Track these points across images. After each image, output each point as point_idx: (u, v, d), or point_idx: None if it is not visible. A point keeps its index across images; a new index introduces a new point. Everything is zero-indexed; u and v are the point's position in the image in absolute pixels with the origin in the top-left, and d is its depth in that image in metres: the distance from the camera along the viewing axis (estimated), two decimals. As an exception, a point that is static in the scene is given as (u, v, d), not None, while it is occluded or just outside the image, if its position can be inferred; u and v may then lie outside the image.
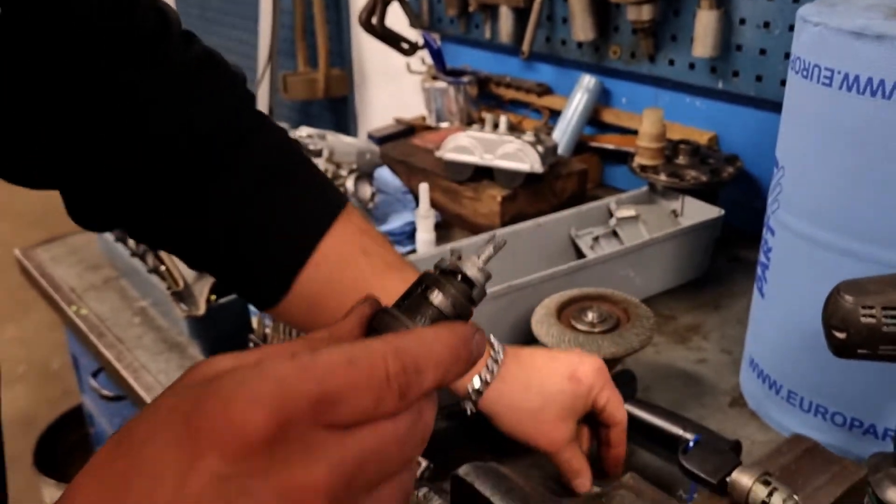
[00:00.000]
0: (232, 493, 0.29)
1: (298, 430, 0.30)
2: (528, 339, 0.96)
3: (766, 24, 1.18)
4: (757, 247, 1.16)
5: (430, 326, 0.36)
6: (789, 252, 0.83)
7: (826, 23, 0.74)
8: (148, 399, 0.97)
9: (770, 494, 0.59)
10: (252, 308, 1.02)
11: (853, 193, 0.74)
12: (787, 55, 1.17)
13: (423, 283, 0.37)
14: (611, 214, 1.18)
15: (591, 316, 0.88)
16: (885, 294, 0.63)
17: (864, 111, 0.71)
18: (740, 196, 1.27)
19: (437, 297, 0.36)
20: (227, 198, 0.66)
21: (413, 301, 0.37)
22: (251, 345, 0.94)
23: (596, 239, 1.16)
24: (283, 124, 1.33)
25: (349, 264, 0.68)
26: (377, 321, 0.36)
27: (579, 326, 0.87)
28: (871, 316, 0.63)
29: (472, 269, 0.37)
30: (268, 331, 0.93)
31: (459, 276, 0.37)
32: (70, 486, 0.32)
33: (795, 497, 0.59)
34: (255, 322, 0.99)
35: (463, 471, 0.50)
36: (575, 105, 1.44)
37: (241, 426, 0.29)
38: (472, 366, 0.35)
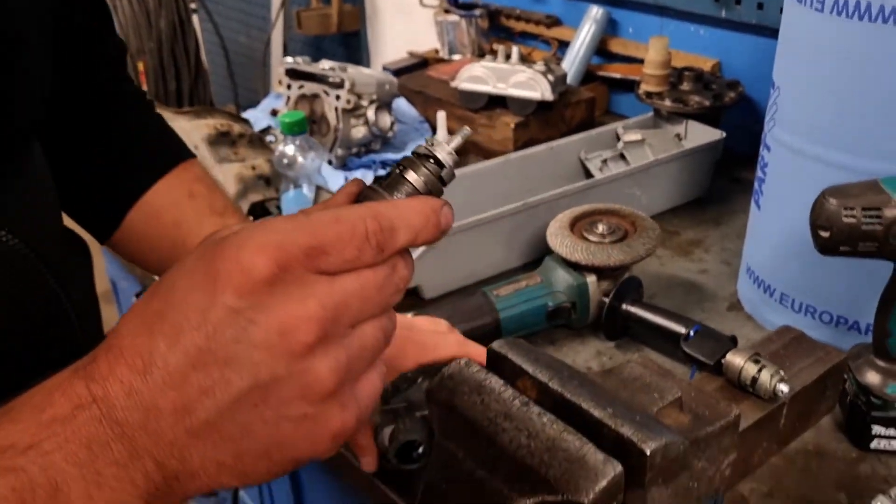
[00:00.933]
0: (242, 322, 0.37)
1: (294, 273, 0.38)
2: (543, 251, 1.05)
3: (768, -48, 1.23)
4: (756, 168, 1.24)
5: (404, 198, 0.44)
6: (783, 166, 0.90)
7: (820, -51, 0.80)
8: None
9: (759, 371, 0.67)
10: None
11: (841, 111, 0.82)
12: (787, -17, 1.22)
13: (401, 165, 0.45)
14: (618, 138, 1.25)
15: (601, 228, 0.96)
16: (864, 197, 0.71)
17: (853, 34, 0.78)
18: (741, 120, 1.34)
19: (411, 176, 0.44)
20: (91, 130, 0.75)
21: (392, 180, 0.45)
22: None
23: (604, 161, 1.23)
24: (299, 59, 1.40)
25: (174, 206, 0.76)
26: (361, 196, 0.45)
27: (590, 238, 0.95)
28: (852, 216, 0.71)
29: (442, 153, 0.45)
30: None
31: (432, 160, 0.45)
32: (117, 325, 0.40)
33: (781, 373, 0.67)
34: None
35: (497, 345, 0.59)
36: (583, 36, 1.50)
37: (249, 268, 0.37)
38: (441, 234, 0.43)
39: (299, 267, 0.38)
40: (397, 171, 0.45)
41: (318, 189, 1.02)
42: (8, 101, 0.55)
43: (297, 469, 0.46)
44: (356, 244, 0.39)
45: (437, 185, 0.45)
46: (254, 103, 2.63)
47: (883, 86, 0.78)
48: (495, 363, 0.59)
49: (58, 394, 0.38)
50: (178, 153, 0.79)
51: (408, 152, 1.32)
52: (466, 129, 0.47)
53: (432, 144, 0.46)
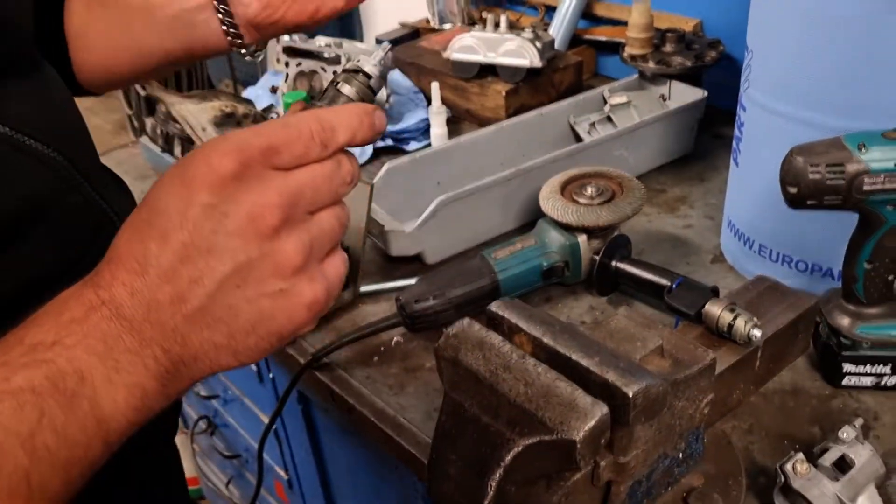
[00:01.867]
0: (216, 215, 0.45)
1: (255, 170, 0.46)
2: (536, 214, 1.11)
3: (744, -85, 1.27)
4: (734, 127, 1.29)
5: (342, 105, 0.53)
6: (757, 125, 0.96)
7: (784, -79, 0.85)
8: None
9: (734, 319, 0.74)
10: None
11: (807, 70, 0.87)
12: (763, -56, 1.27)
13: (335, 80, 0.55)
14: (605, 102, 1.31)
15: (590, 190, 1.02)
16: (829, 154, 0.77)
17: (816, -1, 0.83)
18: (723, 77, 1.38)
19: (345, 88, 0.56)
20: None
21: (329, 93, 0.55)
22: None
23: (592, 125, 1.29)
24: (296, 37, 1.44)
25: None
26: (306, 109, 0.54)
27: (580, 200, 1.01)
28: (817, 172, 0.77)
29: (368, 66, 0.57)
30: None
31: (361, 73, 0.56)
32: (115, 239, 0.47)
33: (755, 320, 0.74)
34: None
35: (495, 306, 0.66)
36: (568, 1, 1.54)
37: (217, 168, 0.45)
38: (376, 133, 0.52)
39: (258, 165, 0.46)
40: (334, 86, 0.56)
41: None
42: (7, 16, 0.63)
43: (284, 345, 0.58)
44: (303, 142, 0.47)
45: (368, 94, 0.57)
46: (251, 78, 2.67)
47: (846, 47, 0.83)
48: (494, 322, 0.65)
49: (72, 301, 0.45)
50: None
51: (405, 123, 1.38)
52: (386, 44, 0.57)
53: (359, 60, 0.57)
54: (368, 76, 0.55)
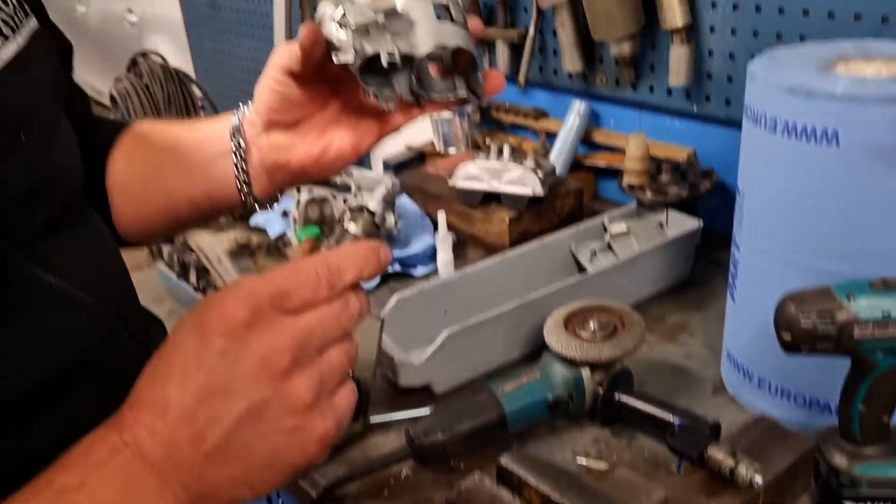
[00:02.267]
0: (230, 359, 0.49)
1: (266, 315, 0.49)
2: (541, 342, 1.14)
3: (732, 55, 1.36)
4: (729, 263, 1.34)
5: (348, 244, 0.58)
6: (751, 265, 1.00)
7: (768, 80, 0.91)
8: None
9: (736, 465, 0.76)
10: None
11: (797, 217, 0.92)
12: (751, 82, 1.34)
13: (341, 219, 0.60)
14: (605, 230, 1.36)
15: (592, 325, 1.05)
16: (819, 303, 0.81)
17: (802, 153, 0.88)
18: (717, 203, 1.44)
19: (351, 226, 0.62)
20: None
21: (336, 231, 0.62)
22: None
23: (594, 253, 1.33)
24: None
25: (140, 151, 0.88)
26: (314, 247, 0.59)
27: (583, 335, 1.05)
28: (809, 320, 0.80)
29: (373, 203, 0.62)
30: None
31: (365, 210, 0.61)
32: (136, 384, 0.51)
33: (756, 465, 0.76)
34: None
35: (505, 461, 0.68)
36: (569, 128, 1.61)
37: (230, 316, 0.49)
38: (382, 267, 0.57)
39: (269, 310, 0.50)
40: (340, 224, 0.61)
41: (334, 297, 1.12)
42: (63, 167, 0.68)
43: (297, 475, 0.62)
44: (311, 286, 0.51)
45: (373, 230, 0.62)
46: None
47: (832, 199, 0.88)
48: (504, 475, 0.68)
49: (97, 444, 0.48)
50: (119, 125, 0.91)
51: (412, 249, 1.43)
52: (387, 179, 0.63)
53: (364, 197, 0.62)
54: (372, 213, 0.61)
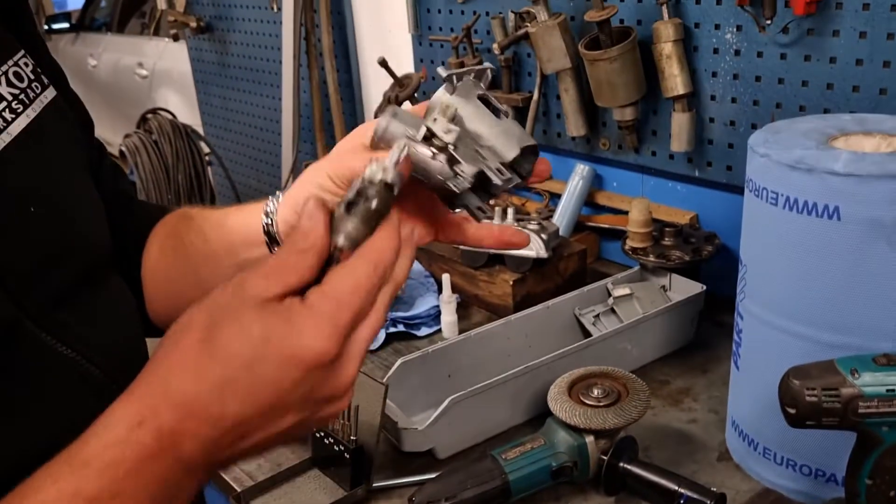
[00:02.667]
0: (303, 387, 0.50)
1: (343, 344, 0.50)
2: (544, 407, 1.14)
3: (732, 123, 1.38)
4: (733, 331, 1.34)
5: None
6: (756, 335, 1.01)
7: (769, 154, 0.93)
8: (226, 477, 1.14)
9: (742, 540, 0.76)
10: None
11: (802, 290, 0.93)
12: (752, 149, 1.36)
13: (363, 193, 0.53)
14: (609, 294, 1.36)
15: (596, 392, 1.06)
16: (823, 378, 0.81)
17: (804, 227, 0.90)
18: (720, 267, 1.45)
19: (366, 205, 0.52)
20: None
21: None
22: (314, 429, 1.12)
23: (597, 316, 1.34)
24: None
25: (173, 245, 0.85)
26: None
27: (587, 401, 1.05)
28: (814, 395, 0.81)
29: (390, 175, 0.52)
30: (327, 416, 1.11)
31: (383, 184, 0.52)
32: (179, 380, 0.50)
33: (762, 541, 0.76)
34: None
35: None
36: (572, 190, 1.63)
37: (318, 354, 0.49)
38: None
39: (343, 333, 0.50)
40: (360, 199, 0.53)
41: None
42: (85, 236, 0.69)
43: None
44: (365, 294, 0.51)
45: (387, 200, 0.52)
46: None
47: (834, 272, 0.89)
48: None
49: (132, 445, 0.48)
50: (157, 213, 0.89)
51: (417, 309, 1.43)
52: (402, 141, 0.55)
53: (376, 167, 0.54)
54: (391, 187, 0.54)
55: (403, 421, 1.10)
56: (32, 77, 0.67)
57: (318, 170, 0.68)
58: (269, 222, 0.76)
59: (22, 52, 0.66)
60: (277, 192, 0.77)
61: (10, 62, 0.65)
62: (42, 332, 0.61)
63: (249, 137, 2.68)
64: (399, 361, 1.18)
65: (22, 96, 0.64)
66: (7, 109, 0.62)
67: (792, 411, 0.82)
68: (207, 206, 0.89)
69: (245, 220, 0.78)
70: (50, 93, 0.69)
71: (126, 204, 0.89)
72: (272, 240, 0.75)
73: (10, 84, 0.63)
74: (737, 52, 1.33)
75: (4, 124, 0.62)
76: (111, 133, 5.59)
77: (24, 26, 0.70)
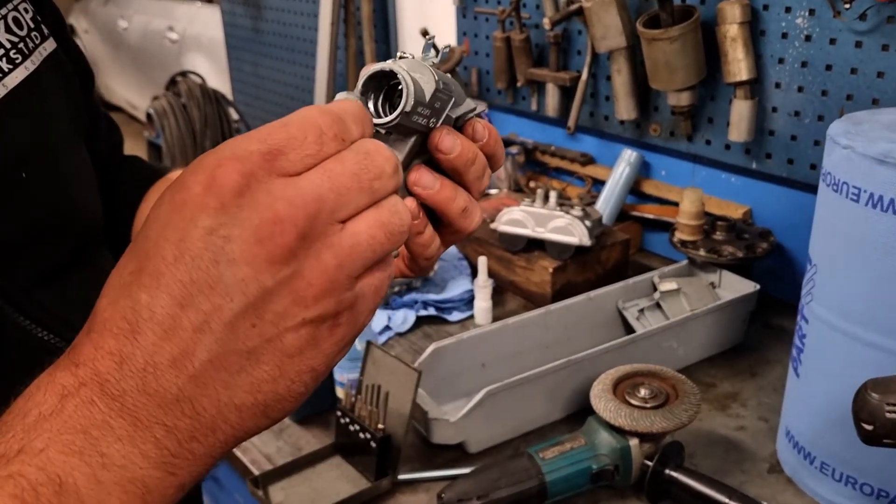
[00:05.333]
0: (217, 241, 0.36)
1: (258, 179, 0.36)
2: (583, 404, 1.08)
3: (797, 113, 1.29)
4: (789, 315, 1.27)
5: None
6: (822, 341, 0.93)
7: (853, 146, 0.85)
8: (244, 459, 1.08)
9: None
10: (338, 379, 1.14)
11: (879, 295, 0.85)
12: (817, 142, 1.28)
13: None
14: (654, 288, 1.29)
15: (643, 392, 0.99)
16: (906, 393, 0.74)
17: (889, 227, 0.82)
18: (773, 266, 1.38)
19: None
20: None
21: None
22: (339, 414, 1.06)
23: (641, 311, 1.27)
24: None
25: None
26: None
27: (633, 402, 0.98)
28: (895, 412, 0.73)
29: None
30: (355, 401, 1.05)
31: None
32: (95, 306, 0.38)
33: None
34: (341, 393, 1.11)
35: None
36: (618, 176, 1.55)
37: (213, 184, 0.36)
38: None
39: (261, 172, 0.36)
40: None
41: (369, 343, 1.06)
42: (75, 206, 0.61)
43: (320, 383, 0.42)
44: (312, 138, 0.38)
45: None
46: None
47: (919, 278, 0.81)
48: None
49: (40, 393, 0.36)
50: (153, 174, 0.83)
51: (449, 293, 1.37)
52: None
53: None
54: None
55: (434, 411, 1.04)
56: (32, 25, 0.60)
57: None
58: None
59: None
60: None
61: (10, 6, 0.58)
62: (18, 314, 0.55)
63: (280, 107, 2.61)
64: (431, 347, 1.11)
65: (21, 45, 0.58)
66: (5, 58, 0.56)
67: (868, 428, 0.74)
68: None
69: None
70: (50, 45, 0.63)
71: (120, 162, 0.83)
72: None
73: (8, 30, 0.57)
74: (807, 38, 1.25)
75: (1, 75, 0.55)
76: (138, 96, 5.55)
77: None
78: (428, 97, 0.48)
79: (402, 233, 0.40)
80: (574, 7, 1.48)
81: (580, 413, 1.11)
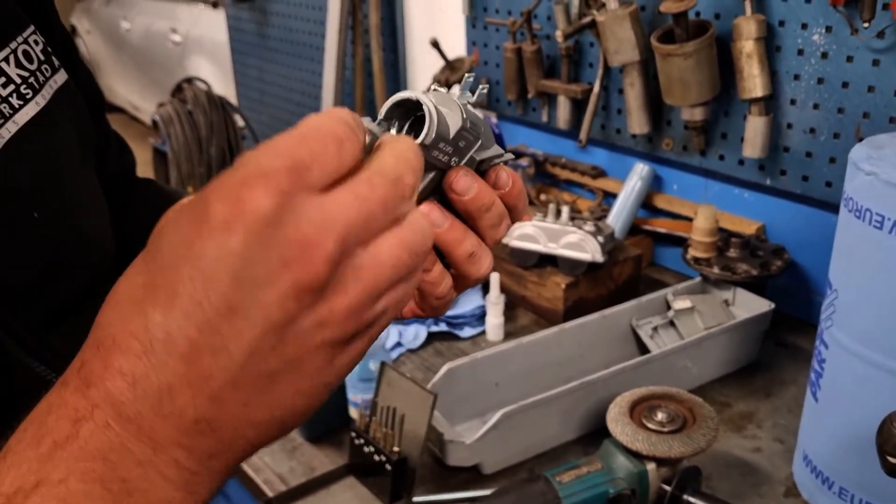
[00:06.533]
0: (239, 261, 0.33)
1: (284, 199, 0.34)
2: (597, 424, 1.07)
3: (812, 130, 1.28)
4: (802, 332, 1.26)
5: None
6: (842, 367, 0.92)
7: (877, 173, 0.84)
8: (257, 479, 1.08)
9: None
10: (352, 399, 1.13)
11: (902, 323, 0.84)
12: (832, 160, 1.27)
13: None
14: (668, 305, 1.28)
15: (660, 416, 0.98)
16: (933, 426, 0.73)
17: (913, 255, 0.81)
18: (787, 283, 1.37)
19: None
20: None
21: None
22: (353, 435, 1.05)
23: (655, 329, 1.26)
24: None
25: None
26: None
27: (650, 425, 0.97)
28: (922, 446, 0.72)
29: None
30: (369, 422, 1.04)
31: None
32: (98, 318, 0.37)
33: None
34: (355, 414, 1.10)
35: None
36: (630, 190, 1.54)
37: (246, 204, 0.33)
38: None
39: (288, 190, 0.34)
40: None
41: (383, 364, 1.05)
42: (88, 239, 0.60)
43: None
44: (334, 148, 0.36)
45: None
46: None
47: (944, 308, 0.81)
48: None
49: (52, 418, 0.35)
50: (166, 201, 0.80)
51: (461, 308, 1.36)
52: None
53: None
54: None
55: (450, 433, 1.03)
56: (42, 58, 0.59)
57: None
58: None
59: (32, 27, 0.59)
60: None
61: (20, 39, 0.57)
62: (35, 360, 0.54)
63: (286, 112, 2.60)
64: (445, 368, 1.10)
65: (32, 80, 0.57)
66: (15, 94, 0.55)
67: (893, 461, 0.74)
68: None
69: None
70: (60, 77, 0.62)
71: (133, 184, 0.81)
72: None
73: (18, 65, 0.56)
74: (824, 55, 1.24)
75: (11, 111, 0.54)
76: (140, 98, 5.53)
77: (41, 4, 0.62)
78: (452, 134, 0.46)
79: (425, 252, 0.39)
80: (587, 20, 1.47)
81: (594, 434, 1.10)
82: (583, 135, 1.56)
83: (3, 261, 0.51)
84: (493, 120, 1.74)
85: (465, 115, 0.47)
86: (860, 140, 1.23)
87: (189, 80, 2.34)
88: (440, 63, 1.70)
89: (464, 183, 0.47)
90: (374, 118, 0.44)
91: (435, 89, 0.48)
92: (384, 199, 0.36)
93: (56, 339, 0.55)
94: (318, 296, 0.35)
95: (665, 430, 0.97)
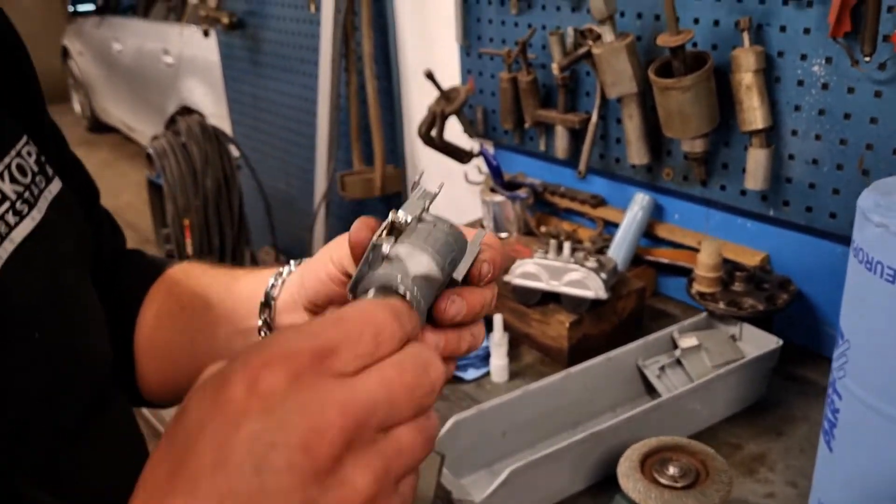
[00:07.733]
0: (261, 448, 0.34)
1: (307, 380, 0.35)
2: (606, 472, 1.06)
3: (815, 161, 1.27)
4: (810, 364, 1.25)
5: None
6: (858, 419, 0.91)
7: (887, 225, 0.82)
8: None
9: None
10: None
11: (917, 378, 0.82)
12: (836, 191, 1.25)
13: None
14: (674, 343, 1.26)
15: (672, 470, 0.96)
16: (955, 493, 0.71)
17: (927, 310, 0.79)
18: (793, 314, 1.35)
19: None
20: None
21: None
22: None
23: (662, 368, 1.24)
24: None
25: (169, 317, 0.75)
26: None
27: (662, 481, 0.95)
28: (944, 513, 0.71)
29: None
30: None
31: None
32: (139, 482, 0.37)
33: None
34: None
35: None
36: (631, 220, 1.53)
37: (258, 385, 0.35)
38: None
39: (310, 373, 0.35)
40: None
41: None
42: (89, 353, 0.59)
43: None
44: (370, 336, 0.37)
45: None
46: (290, 247, 2.66)
47: (960, 364, 0.79)
48: None
49: None
50: (154, 271, 0.79)
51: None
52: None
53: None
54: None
55: (458, 491, 1.01)
56: (36, 169, 0.58)
57: (341, 246, 0.59)
58: (275, 283, 0.68)
59: (25, 138, 0.57)
60: (291, 262, 0.71)
61: (13, 152, 0.55)
62: (39, 489, 0.52)
63: (280, 139, 2.58)
64: (452, 420, 1.08)
65: (27, 194, 0.55)
66: (10, 211, 0.53)
67: (916, 529, 0.72)
68: (215, 265, 0.81)
69: (255, 287, 0.69)
70: (55, 186, 0.60)
71: (122, 262, 0.80)
72: (267, 301, 0.67)
73: (13, 180, 0.54)
74: (824, 86, 1.22)
75: (8, 229, 0.52)
76: (133, 119, 5.52)
77: (31, 108, 0.60)
78: (435, 279, 0.48)
79: (435, 437, 0.40)
80: (583, 51, 1.45)
81: (603, 483, 1.09)
82: (582, 165, 1.55)
83: (3, 386, 0.49)
84: (490, 150, 1.73)
85: (439, 255, 0.48)
86: (864, 172, 1.22)
87: (182, 112, 2.32)
88: (435, 92, 1.69)
89: (453, 311, 0.50)
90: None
91: (393, 222, 0.49)
92: (411, 387, 0.38)
93: (65, 462, 0.54)
94: (338, 479, 0.35)
95: (678, 485, 0.95)
